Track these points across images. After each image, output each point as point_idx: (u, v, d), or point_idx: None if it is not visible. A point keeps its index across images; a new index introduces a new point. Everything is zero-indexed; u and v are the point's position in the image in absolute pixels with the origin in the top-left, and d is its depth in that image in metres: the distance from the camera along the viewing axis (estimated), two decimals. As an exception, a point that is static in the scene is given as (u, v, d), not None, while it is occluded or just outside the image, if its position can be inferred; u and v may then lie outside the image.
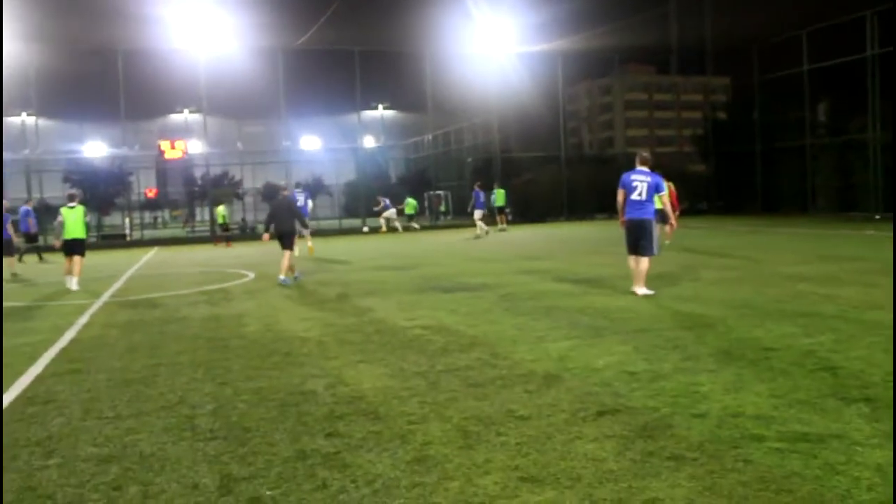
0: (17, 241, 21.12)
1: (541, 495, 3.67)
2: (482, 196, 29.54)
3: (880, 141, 30.50)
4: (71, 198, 15.49)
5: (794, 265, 13.77)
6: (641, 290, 10.40)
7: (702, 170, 43.23)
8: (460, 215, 44.99)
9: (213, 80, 36.80)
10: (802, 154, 34.15)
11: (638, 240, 10.44)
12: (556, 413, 5.01)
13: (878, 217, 28.65)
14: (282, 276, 13.98)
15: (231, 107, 41.27)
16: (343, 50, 38.12)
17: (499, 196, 31.96)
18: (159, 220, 65.72)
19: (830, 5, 31.75)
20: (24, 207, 21.36)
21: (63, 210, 15.33)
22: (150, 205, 60.17)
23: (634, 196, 10.38)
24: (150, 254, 26.99)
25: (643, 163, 10.56)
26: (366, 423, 4.96)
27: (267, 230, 14.60)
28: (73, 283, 14.78)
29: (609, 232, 28.13)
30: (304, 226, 16.18)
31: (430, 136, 48.04)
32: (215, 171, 45.37)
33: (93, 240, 40.93)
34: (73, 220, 15.07)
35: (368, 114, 46.16)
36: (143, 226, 45.40)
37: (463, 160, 48.09)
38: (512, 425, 4.79)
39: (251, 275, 16.34)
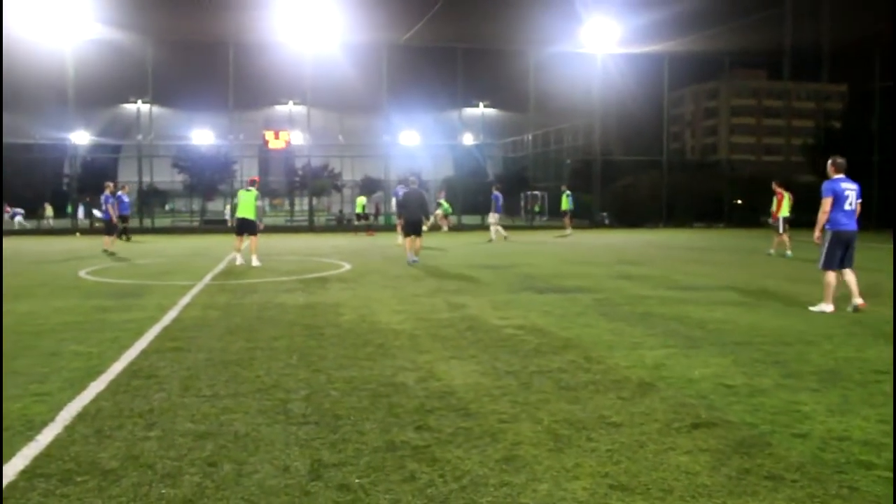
0: (115, 221, 22.40)
1: (631, 505, 3.59)
2: (501, 199, 28.49)
3: None
4: (252, 183, 17.36)
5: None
6: (858, 300, 9.82)
7: (811, 181, 41.54)
8: (556, 216, 44.64)
9: (318, 74, 37.67)
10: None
11: (847, 251, 9.91)
12: (650, 422, 4.90)
13: None
14: (412, 257, 17.04)
15: (334, 100, 42.06)
16: (446, 47, 38.34)
17: (563, 201, 31.32)
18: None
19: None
20: (104, 194, 22.33)
21: (240, 192, 17.45)
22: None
23: (846, 206, 9.86)
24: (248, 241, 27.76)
25: (840, 170, 10.09)
26: (456, 419, 4.96)
27: (400, 217, 18.03)
28: (239, 259, 16.63)
29: (708, 240, 27.39)
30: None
31: (530, 136, 47.81)
32: (315, 162, 46.38)
33: (195, 224, 42.77)
34: (245, 202, 16.79)
35: (469, 111, 46.29)
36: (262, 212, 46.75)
37: (561, 161, 47.69)
38: (603, 431, 4.70)
39: (347, 265, 16.62)
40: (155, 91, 37.96)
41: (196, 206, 51.51)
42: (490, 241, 26.85)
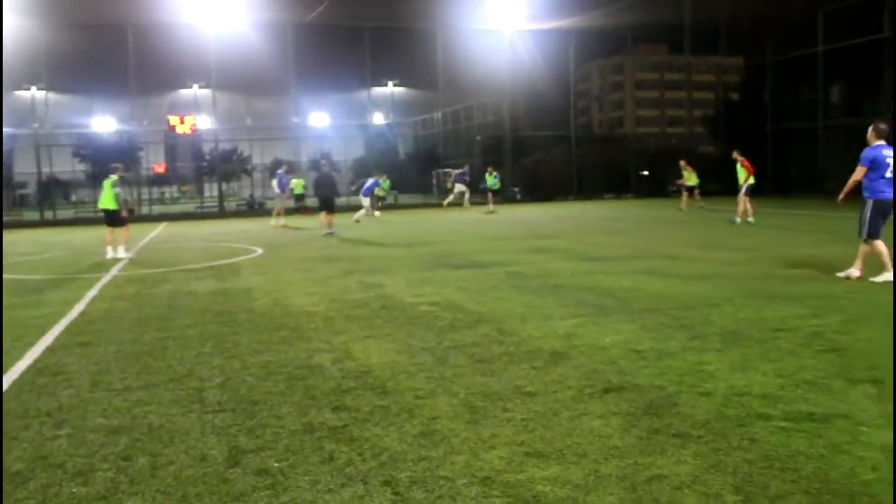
0: None
1: (546, 470, 3.70)
2: (369, 182, 28.49)
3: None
4: (114, 170, 16.27)
5: (805, 247, 13.72)
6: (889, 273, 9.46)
7: (712, 151, 43.00)
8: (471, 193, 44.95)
9: (223, 56, 36.72)
10: (814, 136, 33.90)
11: (884, 220, 9.54)
12: (563, 390, 5.03)
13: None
14: (327, 230, 19.70)
15: (240, 82, 41.16)
16: (354, 26, 37.91)
17: (488, 179, 31.97)
18: (167, 195, 65.79)
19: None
20: None
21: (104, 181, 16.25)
22: (159, 180, 60.20)
23: (888, 174, 9.33)
24: (159, 229, 27.07)
25: (882, 136, 9.49)
26: (373, 398, 4.99)
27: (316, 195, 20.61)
28: (110, 253, 15.55)
29: (617, 211, 28.09)
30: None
31: (440, 114, 47.84)
32: (224, 146, 45.40)
33: (101, 215, 41.24)
34: (105, 192, 15.85)
35: (378, 90, 45.99)
36: (151, 201, 45.49)
37: (472, 138, 47.94)
38: (518, 401, 4.81)
39: (260, 250, 16.39)
40: (50, 77, 36.36)
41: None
42: (357, 221, 25.58)
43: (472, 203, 34.31)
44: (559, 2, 35.02)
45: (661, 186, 40.93)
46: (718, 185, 39.07)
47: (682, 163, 27.97)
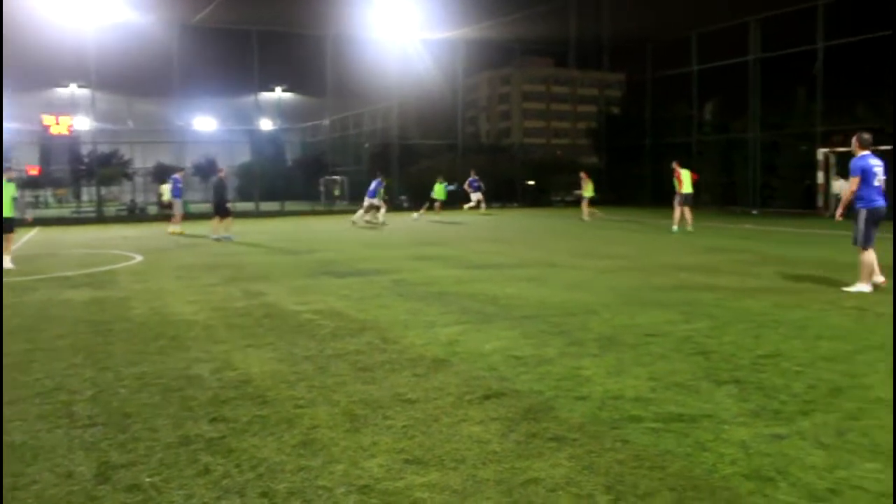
0: None
1: (425, 477, 3.73)
2: (373, 184, 28.84)
3: (759, 141, 32.19)
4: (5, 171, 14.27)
5: (678, 255, 14.35)
6: (880, 277, 9.55)
7: (595, 162, 44.42)
8: (357, 201, 44.65)
9: (103, 55, 35.19)
10: (689, 150, 35.59)
11: (877, 228, 9.54)
12: (443, 396, 5.09)
13: (755, 212, 30.14)
14: (214, 235, 20.27)
15: (122, 83, 39.70)
16: (242, 29, 37.15)
17: (438, 189, 32.58)
18: (41, 199, 62.52)
19: (719, 9, 33.14)
20: None
21: None
22: (32, 183, 57.14)
23: (875, 182, 9.44)
24: (31, 234, 25.70)
25: (866, 146, 9.61)
26: (252, 408, 4.91)
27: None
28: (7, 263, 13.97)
29: (503, 220, 28.59)
30: None
31: (328, 121, 47.49)
32: (103, 149, 43.52)
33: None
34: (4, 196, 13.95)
35: (266, 96, 45.26)
36: (24, 205, 43.12)
37: (360, 145, 47.80)
38: (399, 409, 4.83)
39: (139, 257, 15.81)
40: None
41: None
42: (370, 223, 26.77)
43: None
44: (449, 12, 35.46)
45: (545, 196, 41.94)
46: (600, 195, 40.47)
47: (581, 174, 29.11)
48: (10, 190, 14.27)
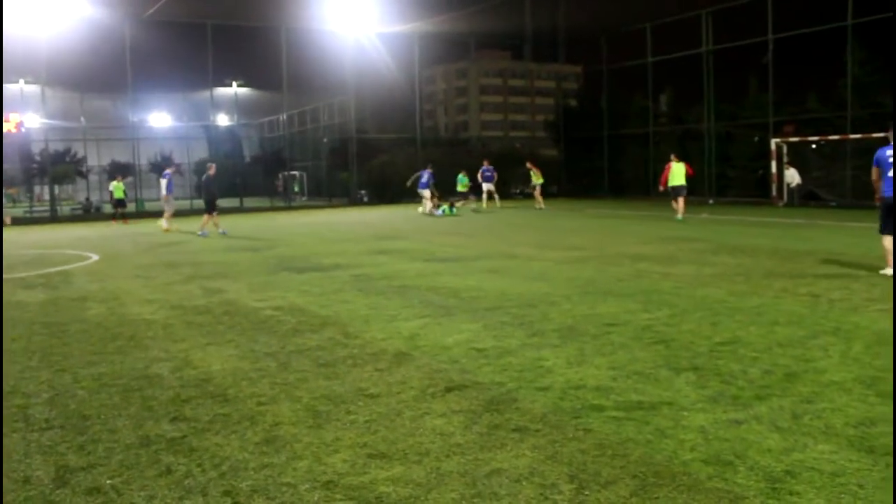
0: None
1: (389, 471, 3.74)
2: (424, 176, 28.92)
3: (714, 131, 32.69)
4: None
5: (636, 245, 14.51)
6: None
7: (553, 154, 44.66)
8: (314, 196, 44.46)
9: (53, 50, 34.40)
10: (646, 141, 36.00)
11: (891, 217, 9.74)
12: (406, 390, 5.10)
13: (711, 202, 30.58)
14: (201, 231, 20.62)
15: (73, 79, 38.71)
16: (196, 23, 36.60)
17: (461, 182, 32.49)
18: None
19: (672, 1, 33.42)
20: None
21: None
22: (-20, 182, 55.75)
23: (889, 173, 9.67)
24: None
25: (892, 138, 9.75)
26: (213, 406, 4.87)
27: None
28: None
29: (462, 212, 28.63)
30: None
31: (286, 116, 47.07)
32: (56, 146, 42.63)
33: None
34: None
35: (222, 91, 44.63)
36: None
37: (319, 140, 47.48)
38: (362, 403, 4.83)
39: (95, 257, 15.54)
40: None
41: None
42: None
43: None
44: (404, 5, 35.29)
45: (504, 188, 42.05)
46: (559, 187, 40.73)
47: (528, 164, 30.71)
48: None
